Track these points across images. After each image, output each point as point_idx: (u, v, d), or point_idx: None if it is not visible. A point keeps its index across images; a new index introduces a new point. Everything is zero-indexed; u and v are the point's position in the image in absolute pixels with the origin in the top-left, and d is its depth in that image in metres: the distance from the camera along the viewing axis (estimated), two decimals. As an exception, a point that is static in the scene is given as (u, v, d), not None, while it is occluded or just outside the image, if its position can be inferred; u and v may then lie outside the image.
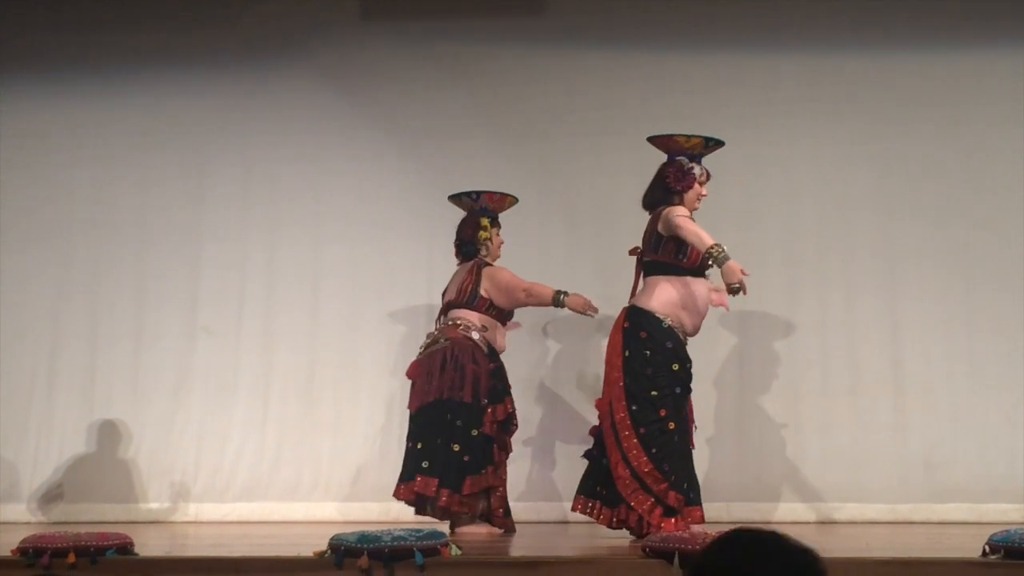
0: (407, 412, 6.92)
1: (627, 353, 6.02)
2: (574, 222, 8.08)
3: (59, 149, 8.44)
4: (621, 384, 6.01)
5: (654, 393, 5.97)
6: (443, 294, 7.05)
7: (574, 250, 8.00)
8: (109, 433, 8.14)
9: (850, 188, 7.90)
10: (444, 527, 6.28)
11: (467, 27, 8.30)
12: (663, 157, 6.44)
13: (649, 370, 5.99)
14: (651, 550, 4.85)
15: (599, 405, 6.15)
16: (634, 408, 5.97)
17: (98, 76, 8.51)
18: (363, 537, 4.81)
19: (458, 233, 7.08)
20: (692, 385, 6.07)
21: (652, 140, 6.35)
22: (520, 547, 6.21)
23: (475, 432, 6.67)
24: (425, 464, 6.64)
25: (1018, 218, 7.77)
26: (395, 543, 4.77)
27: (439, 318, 6.99)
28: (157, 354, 8.21)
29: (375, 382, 8.04)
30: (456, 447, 6.64)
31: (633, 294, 6.20)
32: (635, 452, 5.94)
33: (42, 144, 8.44)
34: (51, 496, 8.07)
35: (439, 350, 6.78)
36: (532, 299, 6.91)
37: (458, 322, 6.84)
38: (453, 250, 7.11)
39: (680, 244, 6.05)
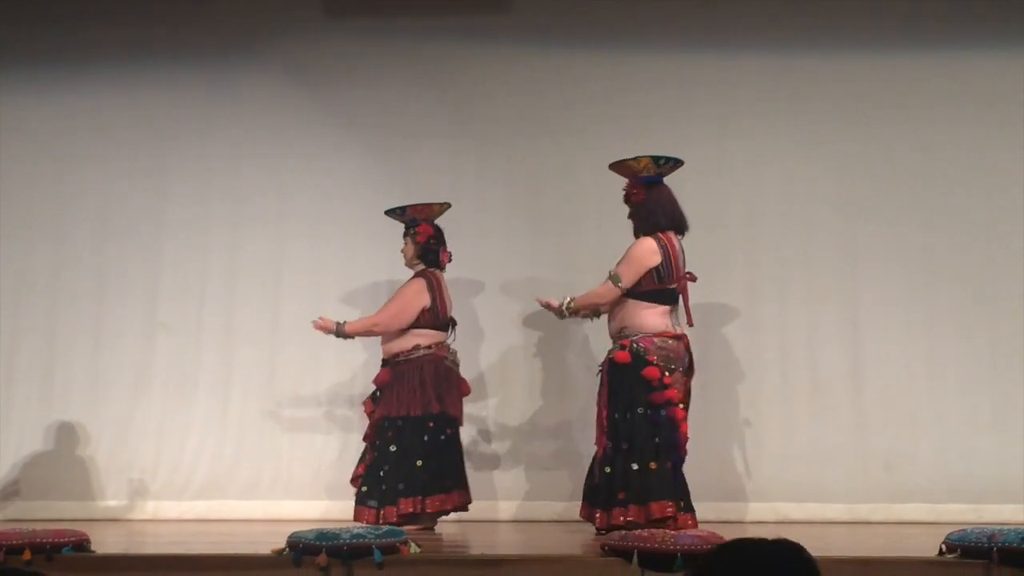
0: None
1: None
2: (538, 220, 8.06)
3: (19, 143, 8.35)
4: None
5: None
6: (447, 305, 7.09)
7: (538, 248, 7.99)
8: (67, 430, 8.07)
9: (812, 189, 7.92)
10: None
11: (432, 24, 8.27)
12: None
13: None
14: (610, 548, 4.85)
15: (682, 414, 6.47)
16: None
17: (59, 71, 8.43)
18: (322, 535, 4.80)
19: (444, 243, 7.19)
20: None
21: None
22: (484, 545, 6.22)
23: None
24: None
25: (979, 220, 7.82)
26: (354, 541, 4.77)
27: (452, 332, 7.14)
28: (116, 350, 8.15)
29: (336, 380, 8.01)
30: None
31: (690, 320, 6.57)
32: None
33: (2, 139, 8.36)
34: (7, 493, 8.00)
35: None
36: None
37: None
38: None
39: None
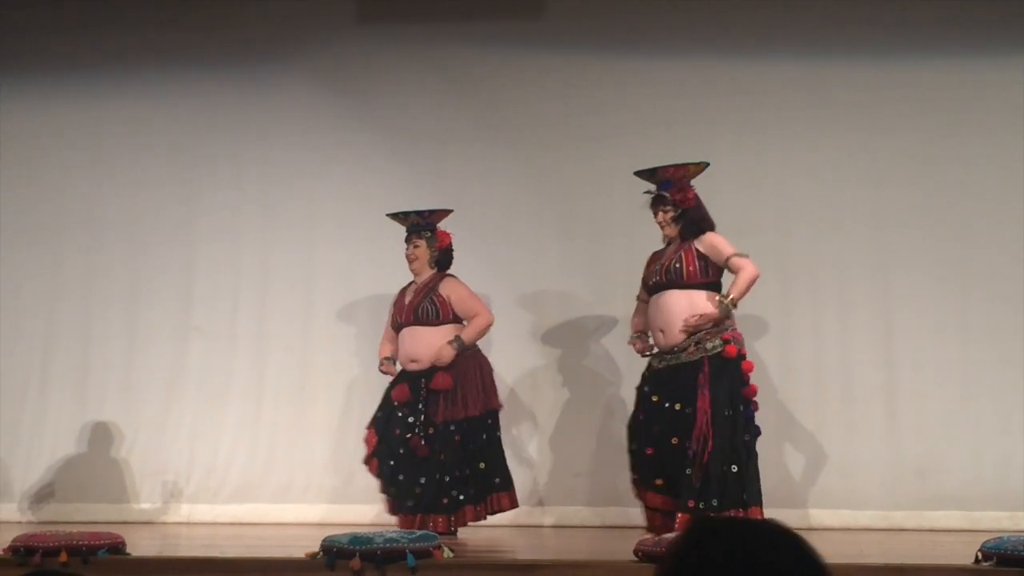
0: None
1: None
2: (569, 227, 8.06)
3: (52, 149, 8.42)
4: None
5: None
6: None
7: (568, 255, 7.99)
8: (101, 433, 8.13)
9: (844, 196, 7.89)
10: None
11: (464, 30, 8.29)
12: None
13: None
14: (644, 554, 4.85)
15: None
16: None
17: (92, 77, 8.49)
18: (355, 539, 4.82)
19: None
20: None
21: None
22: (516, 550, 6.22)
23: None
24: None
25: (1011, 228, 7.77)
26: (387, 545, 4.78)
27: None
28: (150, 355, 8.20)
29: (368, 384, 8.02)
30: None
31: None
32: None
33: (36, 145, 8.42)
34: (42, 496, 8.06)
35: None
36: None
37: None
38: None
39: None
